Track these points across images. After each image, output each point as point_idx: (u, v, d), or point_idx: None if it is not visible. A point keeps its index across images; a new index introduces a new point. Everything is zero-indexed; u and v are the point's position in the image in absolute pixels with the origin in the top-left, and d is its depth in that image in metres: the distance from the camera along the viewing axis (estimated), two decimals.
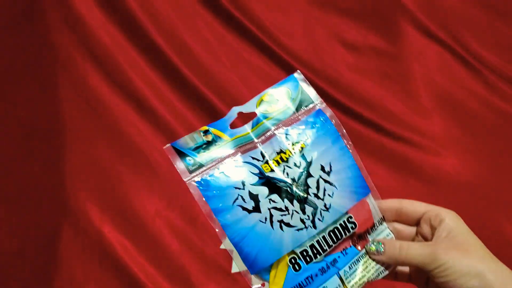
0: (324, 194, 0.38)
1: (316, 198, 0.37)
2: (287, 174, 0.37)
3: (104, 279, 0.77)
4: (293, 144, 0.38)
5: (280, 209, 0.36)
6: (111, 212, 0.81)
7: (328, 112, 0.40)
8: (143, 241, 0.80)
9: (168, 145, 0.38)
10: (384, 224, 0.41)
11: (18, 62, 0.83)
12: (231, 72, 0.91)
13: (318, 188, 0.37)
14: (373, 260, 0.39)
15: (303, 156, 0.38)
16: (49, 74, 0.84)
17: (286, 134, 0.38)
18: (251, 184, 0.36)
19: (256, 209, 0.36)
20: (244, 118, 0.41)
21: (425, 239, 0.40)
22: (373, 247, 0.38)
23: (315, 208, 0.37)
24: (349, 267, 0.38)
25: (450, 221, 0.37)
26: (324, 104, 0.41)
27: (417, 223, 0.40)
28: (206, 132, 0.38)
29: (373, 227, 0.40)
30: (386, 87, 0.95)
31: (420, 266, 0.36)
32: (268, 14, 0.93)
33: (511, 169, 0.90)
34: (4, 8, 0.83)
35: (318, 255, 0.37)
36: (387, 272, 0.39)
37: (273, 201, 0.36)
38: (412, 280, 0.41)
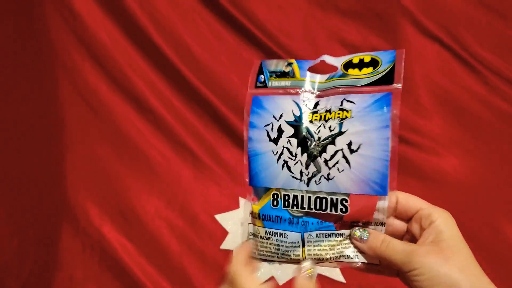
0: (334, 165, 0.38)
1: (324, 164, 0.38)
2: (319, 131, 0.39)
3: (103, 278, 0.77)
4: (342, 110, 0.39)
5: (290, 153, 0.39)
6: (111, 212, 0.81)
7: (396, 99, 0.39)
8: (143, 240, 0.80)
9: (259, 61, 0.42)
10: (383, 229, 0.39)
11: (18, 62, 0.83)
12: (231, 72, 0.91)
13: (332, 157, 0.38)
14: (354, 245, 0.38)
15: (340, 125, 0.38)
16: (49, 74, 0.84)
17: (346, 99, 0.39)
18: (285, 121, 0.40)
19: (275, 141, 0.40)
20: (329, 67, 0.43)
21: (414, 238, 0.39)
22: (357, 233, 0.38)
23: (318, 171, 0.38)
24: (316, 235, 0.39)
25: (440, 223, 0.36)
26: (400, 88, 0.39)
27: (409, 219, 0.39)
28: (289, 64, 0.42)
29: (366, 223, 0.39)
30: None
31: (397, 265, 0.36)
32: (268, 14, 0.93)
33: (510, 168, 0.90)
34: (4, 8, 0.83)
35: (295, 207, 0.39)
36: (345, 265, 0.39)
37: (290, 143, 0.39)
38: (399, 276, 0.40)
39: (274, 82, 0.41)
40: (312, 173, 0.38)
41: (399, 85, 0.38)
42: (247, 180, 0.42)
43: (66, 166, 0.82)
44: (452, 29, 0.97)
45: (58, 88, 0.84)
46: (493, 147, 0.93)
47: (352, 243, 0.39)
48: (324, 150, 0.38)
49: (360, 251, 0.39)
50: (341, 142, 0.38)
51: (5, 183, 0.80)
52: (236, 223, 0.84)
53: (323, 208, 0.38)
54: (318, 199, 0.39)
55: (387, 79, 0.38)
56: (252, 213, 0.42)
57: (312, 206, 0.39)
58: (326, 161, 0.38)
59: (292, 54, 0.93)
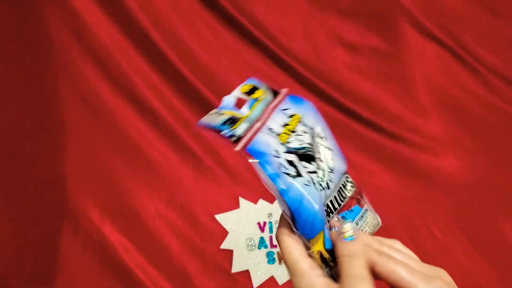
0: (325, 158, 0.39)
1: (321, 162, 0.38)
2: (302, 141, 0.39)
3: (104, 279, 0.78)
4: (291, 117, 0.40)
5: (313, 172, 0.37)
6: (111, 212, 0.81)
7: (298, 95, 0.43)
8: (143, 241, 0.80)
9: (201, 126, 0.37)
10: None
11: (18, 62, 0.83)
12: (231, 72, 0.91)
13: (320, 152, 0.39)
14: (331, 234, 0.37)
15: (305, 125, 0.40)
16: (50, 74, 0.84)
17: (281, 110, 0.40)
18: (283, 152, 0.37)
19: (298, 174, 0.36)
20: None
21: None
22: (347, 229, 0.35)
23: (323, 170, 0.38)
24: (356, 222, 0.39)
25: None
26: (287, 89, 0.43)
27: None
28: (219, 112, 0.38)
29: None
30: (386, 88, 0.95)
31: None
32: (268, 15, 0.93)
33: (510, 168, 0.91)
34: (4, 9, 0.83)
35: (331, 214, 0.38)
36: (379, 223, 0.41)
37: (305, 166, 0.37)
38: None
39: (240, 127, 0.37)
40: (323, 175, 0.38)
41: (285, 90, 0.42)
42: (297, 232, 0.36)
43: (67, 167, 0.82)
44: (452, 29, 0.97)
45: (59, 88, 0.84)
46: (493, 147, 0.93)
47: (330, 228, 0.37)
48: (318, 150, 0.39)
49: None
50: (316, 137, 0.40)
51: (6, 184, 0.80)
52: (236, 223, 0.84)
53: (344, 196, 0.39)
54: (338, 192, 0.39)
55: (274, 91, 0.42)
56: (322, 259, 0.36)
57: (340, 201, 0.39)
58: (320, 159, 0.39)
59: (292, 55, 0.93)
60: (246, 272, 0.80)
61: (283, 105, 0.41)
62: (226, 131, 0.37)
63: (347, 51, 0.96)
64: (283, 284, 0.80)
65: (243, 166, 0.88)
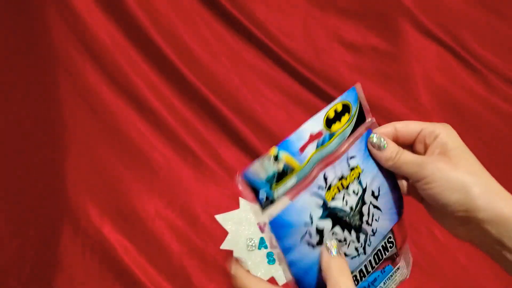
0: (372, 220, 0.37)
1: (367, 225, 0.37)
2: (346, 202, 0.36)
3: (104, 279, 0.77)
4: (352, 170, 0.37)
5: (339, 241, 0.36)
6: (111, 212, 0.81)
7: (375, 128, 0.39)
8: (143, 241, 0.80)
9: (241, 177, 0.33)
10: None
11: (18, 62, 0.83)
12: (231, 72, 0.91)
13: (369, 214, 0.37)
14: (370, 153, 0.37)
15: (360, 183, 0.37)
16: (49, 74, 0.84)
17: (348, 157, 0.37)
18: (318, 218, 0.34)
19: (320, 242, 0.35)
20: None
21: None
22: (375, 140, 0.37)
23: (366, 234, 0.37)
24: (383, 283, 0.38)
25: (444, 136, 0.36)
26: (374, 120, 0.39)
27: (413, 143, 0.39)
28: (276, 158, 0.33)
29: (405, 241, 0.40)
30: (386, 87, 0.95)
31: (408, 175, 0.36)
32: (268, 14, 0.93)
33: (510, 168, 0.90)
34: (3, 9, 0.83)
35: (363, 278, 0.37)
36: (407, 276, 0.39)
37: (335, 233, 0.35)
38: (410, 193, 0.40)
39: (280, 190, 0.33)
40: (363, 241, 0.37)
41: (371, 119, 0.39)
42: None
43: (67, 167, 0.82)
44: (452, 29, 0.97)
45: (59, 88, 0.84)
46: (493, 147, 0.93)
47: (369, 151, 0.37)
48: (361, 214, 0.37)
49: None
50: (368, 197, 0.37)
51: (6, 184, 0.80)
52: (236, 223, 0.84)
53: (381, 258, 0.38)
54: (375, 255, 0.38)
55: (361, 118, 0.38)
56: None
57: (374, 265, 0.38)
58: (367, 222, 0.37)
59: (292, 54, 0.93)
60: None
61: (352, 150, 0.37)
62: (262, 194, 0.33)
63: (347, 51, 0.96)
64: (283, 285, 0.80)
65: (243, 166, 0.88)
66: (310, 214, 0.34)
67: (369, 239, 0.37)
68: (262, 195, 0.32)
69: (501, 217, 0.33)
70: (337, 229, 0.35)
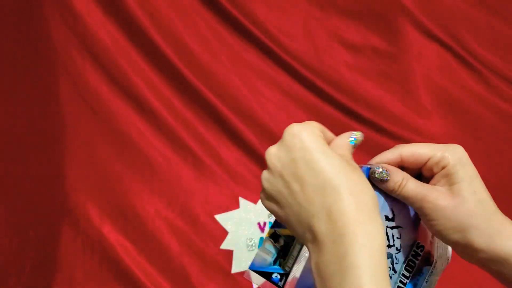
0: (394, 240, 0.37)
1: (389, 248, 0.36)
2: None
3: (104, 279, 0.78)
4: None
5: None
6: (111, 212, 0.81)
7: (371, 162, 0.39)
8: (143, 241, 0.80)
9: (247, 270, 0.35)
10: None
11: (19, 63, 0.83)
12: (231, 72, 0.91)
13: (388, 239, 0.36)
14: (374, 182, 0.36)
15: None
16: (49, 74, 0.84)
17: None
18: None
19: None
20: None
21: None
22: (377, 175, 0.36)
23: (391, 257, 0.36)
24: (425, 281, 0.38)
25: (452, 166, 0.35)
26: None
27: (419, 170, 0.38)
28: (275, 237, 0.35)
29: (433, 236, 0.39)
30: (386, 87, 0.95)
31: (412, 207, 0.36)
32: (268, 15, 0.93)
33: (510, 168, 0.91)
34: (4, 9, 0.83)
35: None
36: (449, 259, 0.39)
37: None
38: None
39: (289, 262, 0.35)
40: (390, 263, 0.36)
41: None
42: None
43: (67, 167, 0.82)
44: (452, 29, 0.97)
45: (59, 88, 0.84)
46: (493, 146, 0.93)
47: (373, 181, 0.36)
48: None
49: None
50: (385, 222, 0.37)
51: (6, 184, 0.80)
52: (236, 223, 0.84)
53: (414, 266, 0.38)
54: (407, 266, 0.37)
55: None
56: None
57: (408, 274, 0.37)
58: (388, 246, 0.36)
59: (292, 54, 0.93)
60: None
61: None
62: (275, 276, 0.34)
63: (347, 51, 0.96)
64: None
65: (243, 166, 0.88)
66: None
67: (396, 258, 0.37)
68: (275, 276, 0.34)
69: (500, 257, 0.33)
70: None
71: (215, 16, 0.92)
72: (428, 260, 0.39)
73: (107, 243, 0.78)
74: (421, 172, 0.38)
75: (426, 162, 0.37)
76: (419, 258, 0.38)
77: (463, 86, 0.96)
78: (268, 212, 0.85)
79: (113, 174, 0.83)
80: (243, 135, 0.88)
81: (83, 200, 0.81)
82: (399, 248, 0.37)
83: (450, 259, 0.40)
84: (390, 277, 0.36)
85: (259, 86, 0.92)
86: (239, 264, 0.80)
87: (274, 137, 0.90)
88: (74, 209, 0.80)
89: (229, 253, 0.81)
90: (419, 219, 0.38)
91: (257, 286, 0.36)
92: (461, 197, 0.34)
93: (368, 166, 0.37)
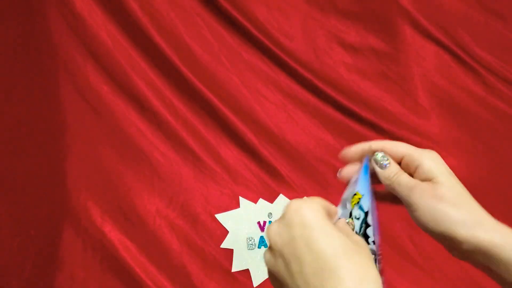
0: (374, 236, 0.38)
1: (373, 244, 0.37)
2: (353, 228, 0.37)
3: (105, 278, 0.78)
4: (352, 196, 0.39)
5: None
6: (112, 212, 0.81)
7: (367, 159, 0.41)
8: (144, 240, 0.80)
9: None
10: None
11: (19, 63, 0.83)
12: (231, 72, 0.92)
13: (374, 234, 0.38)
14: (373, 165, 0.39)
15: (360, 207, 0.38)
16: (50, 74, 0.85)
17: (351, 185, 0.40)
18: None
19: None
20: None
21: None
22: (380, 157, 0.39)
23: (375, 254, 0.37)
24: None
25: (427, 164, 0.38)
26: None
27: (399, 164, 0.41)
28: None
29: None
30: (385, 88, 0.96)
31: (400, 197, 0.38)
32: (267, 15, 0.93)
33: (509, 168, 0.91)
34: (4, 9, 0.83)
35: None
36: None
37: None
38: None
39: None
40: (374, 259, 0.37)
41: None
42: None
43: (67, 166, 0.83)
44: (450, 30, 0.98)
45: (60, 88, 0.84)
46: (491, 147, 0.94)
47: (372, 167, 0.39)
48: (366, 236, 0.37)
49: None
50: (370, 219, 0.38)
51: (7, 183, 0.80)
52: (236, 222, 0.84)
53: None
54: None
55: None
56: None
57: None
58: (373, 242, 0.37)
59: (292, 55, 0.93)
60: (246, 271, 0.81)
61: (354, 177, 0.39)
62: None
63: (346, 52, 0.96)
64: None
65: (243, 166, 0.89)
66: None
67: (378, 253, 0.38)
68: None
69: (482, 247, 0.34)
70: None
71: (215, 16, 0.93)
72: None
73: (108, 242, 0.78)
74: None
75: (402, 159, 0.39)
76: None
77: (462, 86, 0.97)
78: (268, 212, 0.86)
79: (114, 173, 0.84)
80: (243, 135, 0.88)
81: (84, 199, 0.81)
82: (377, 244, 0.38)
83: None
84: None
85: (259, 86, 0.93)
86: (239, 263, 0.81)
87: (274, 137, 0.91)
88: (75, 208, 0.80)
89: (229, 252, 0.82)
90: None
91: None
92: (443, 187, 0.36)
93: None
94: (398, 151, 0.40)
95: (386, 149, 0.40)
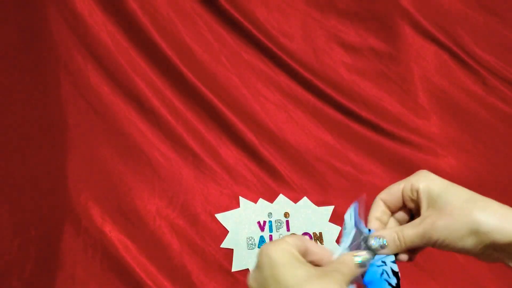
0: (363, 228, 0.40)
1: (369, 231, 0.41)
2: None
3: (105, 278, 0.78)
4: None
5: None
6: (112, 212, 0.81)
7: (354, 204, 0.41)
8: (144, 240, 0.80)
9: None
10: None
11: (20, 63, 0.83)
12: (231, 73, 0.92)
13: (360, 226, 0.40)
14: (381, 253, 0.39)
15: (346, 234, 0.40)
16: (50, 74, 0.85)
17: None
18: (391, 261, 0.39)
19: (397, 286, 0.38)
20: None
21: (417, 214, 0.40)
22: (376, 244, 0.38)
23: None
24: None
25: (424, 187, 0.38)
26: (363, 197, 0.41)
27: (404, 206, 0.41)
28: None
29: None
30: (385, 88, 0.96)
31: (422, 246, 0.38)
32: (267, 15, 0.94)
33: (509, 168, 0.91)
34: (5, 9, 0.83)
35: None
36: None
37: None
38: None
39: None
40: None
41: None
42: None
43: (68, 166, 0.83)
44: (450, 30, 0.98)
45: (60, 89, 0.85)
46: (491, 147, 0.94)
47: (379, 253, 0.39)
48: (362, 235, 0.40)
49: None
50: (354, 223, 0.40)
51: (8, 183, 0.80)
52: (236, 222, 0.84)
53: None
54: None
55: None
56: None
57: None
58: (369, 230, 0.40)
59: (292, 55, 0.93)
60: (247, 271, 0.81)
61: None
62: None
63: (346, 52, 0.97)
64: None
65: (243, 166, 0.89)
66: (382, 259, 0.39)
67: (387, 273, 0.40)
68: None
69: None
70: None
71: (215, 16, 0.93)
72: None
73: (109, 242, 0.79)
74: (411, 210, 0.40)
75: (402, 194, 0.39)
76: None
77: (461, 86, 0.97)
78: (268, 211, 0.86)
79: (114, 173, 0.84)
80: (243, 135, 0.88)
81: (85, 199, 0.81)
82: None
83: None
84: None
85: (259, 86, 0.93)
86: (239, 263, 0.81)
87: (274, 137, 0.91)
88: (75, 208, 0.80)
89: (229, 252, 0.82)
90: None
91: None
92: (449, 206, 0.36)
93: (357, 210, 0.40)
94: (393, 193, 0.40)
95: (384, 200, 0.40)
